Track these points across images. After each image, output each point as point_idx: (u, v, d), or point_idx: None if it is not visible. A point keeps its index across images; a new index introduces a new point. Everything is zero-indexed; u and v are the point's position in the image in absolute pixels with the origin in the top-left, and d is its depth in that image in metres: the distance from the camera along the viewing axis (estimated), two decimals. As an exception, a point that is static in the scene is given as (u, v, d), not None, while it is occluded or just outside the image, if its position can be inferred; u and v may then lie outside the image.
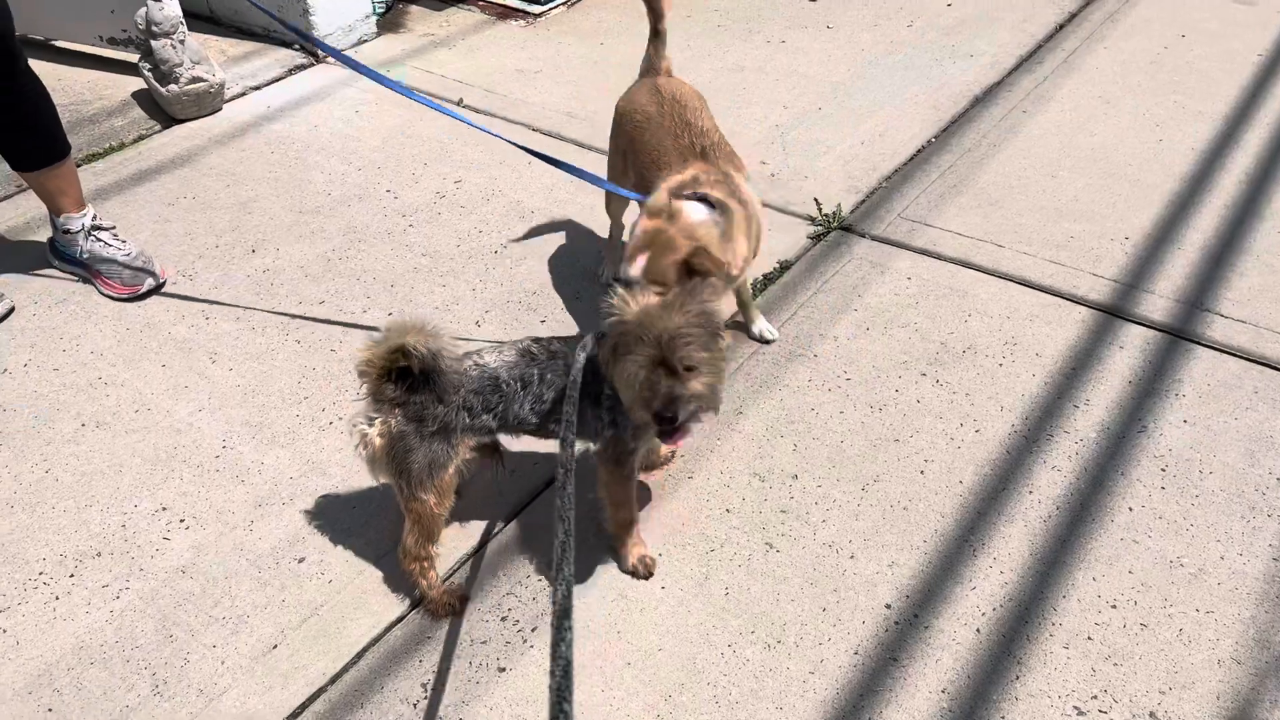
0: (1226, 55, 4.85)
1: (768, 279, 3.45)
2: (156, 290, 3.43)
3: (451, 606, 2.39)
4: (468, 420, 2.19)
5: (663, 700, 2.20)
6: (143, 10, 4.25)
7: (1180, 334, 3.15)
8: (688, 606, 2.40)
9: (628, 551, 2.46)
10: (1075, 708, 2.17)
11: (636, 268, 2.49)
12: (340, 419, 2.93)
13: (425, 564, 2.32)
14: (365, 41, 5.18)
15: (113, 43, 4.74)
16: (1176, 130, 4.25)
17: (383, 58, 5.03)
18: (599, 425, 2.27)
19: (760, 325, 3.17)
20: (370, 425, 2.17)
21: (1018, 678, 2.23)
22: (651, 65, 3.21)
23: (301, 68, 4.96)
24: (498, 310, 3.32)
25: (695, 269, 2.42)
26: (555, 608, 1.43)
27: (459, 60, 5.03)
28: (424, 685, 2.24)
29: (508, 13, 5.52)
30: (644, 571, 2.47)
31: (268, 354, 3.17)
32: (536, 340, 2.28)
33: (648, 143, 2.93)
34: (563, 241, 3.65)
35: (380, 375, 2.10)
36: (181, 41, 4.30)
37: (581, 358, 2.15)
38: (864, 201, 3.86)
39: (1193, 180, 3.92)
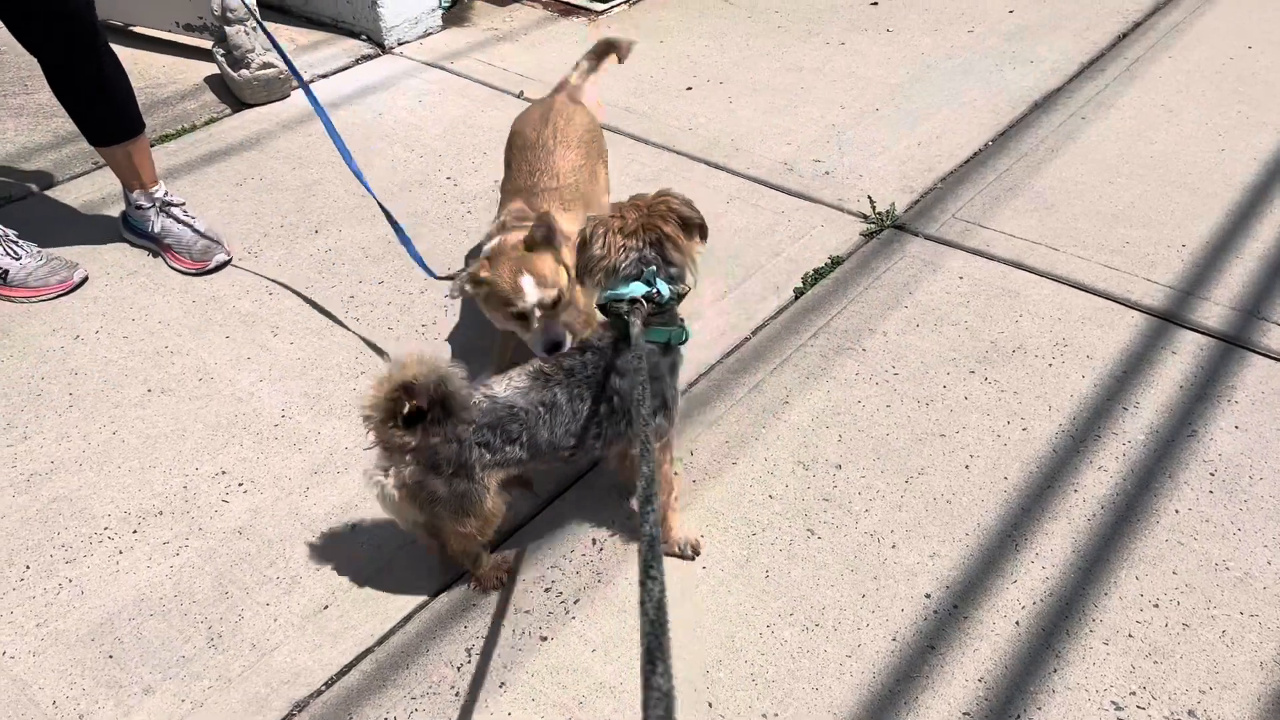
0: (1295, 66, 4.78)
1: (818, 273, 3.48)
2: (224, 266, 3.54)
3: (499, 580, 2.44)
4: (488, 457, 2.12)
5: (700, 675, 2.24)
6: (218, -3, 4.39)
7: (1235, 341, 3.13)
8: (728, 586, 2.44)
9: (673, 533, 2.49)
10: (1113, 703, 2.17)
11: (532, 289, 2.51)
12: (395, 394, 3.00)
13: (481, 560, 2.38)
14: (430, 34, 5.29)
15: (188, 29, 4.89)
16: (1239, 140, 4.20)
17: (447, 50, 5.13)
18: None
19: None
20: (385, 476, 2.10)
21: (1055, 671, 2.24)
22: (566, 82, 3.28)
23: (368, 58, 5.07)
24: (551, 295, 3.38)
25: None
26: (641, 559, 1.42)
27: (521, 54, 5.11)
28: (468, 650, 2.30)
29: (570, 10, 5.60)
30: (691, 554, 2.50)
31: (327, 330, 3.27)
32: (546, 359, 2.26)
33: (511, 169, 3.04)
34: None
35: (385, 419, 2.00)
36: (254, 29, 4.43)
37: (636, 332, 2.08)
38: (918, 201, 3.87)
39: (1254, 190, 3.87)
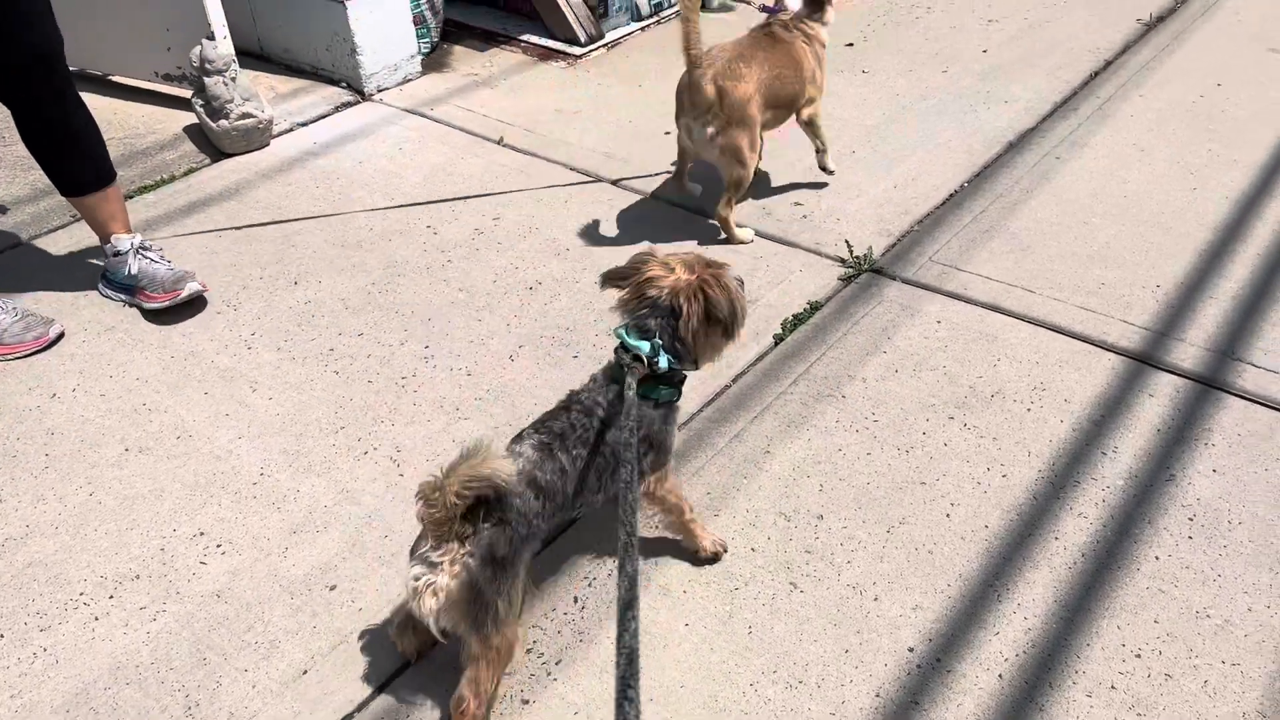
0: (1263, 104, 4.85)
1: (798, 319, 3.49)
2: (197, 296, 3.52)
3: None
4: (524, 530, 2.09)
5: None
6: (197, 48, 4.40)
7: (1211, 383, 3.15)
8: (711, 644, 2.42)
9: (702, 541, 2.57)
10: (1097, 757, 2.17)
11: None
12: (376, 449, 2.99)
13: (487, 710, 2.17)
14: (410, 80, 5.32)
15: (168, 79, 4.90)
16: (1211, 178, 4.26)
17: (426, 96, 5.15)
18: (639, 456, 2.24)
19: None
20: (434, 572, 1.98)
21: (1039, 725, 2.23)
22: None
23: (348, 104, 5.09)
24: (531, 346, 3.38)
25: None
26: (620, 599, 1.42)
27: (501, 99, 5.14)
28: (449, 715, 2.28)
29: (549, 54, 5.64)
30: (722, 550, 2.60)
31: (307, 384, 3.25)
32: (536, 429, 2.23)
33: None
34: (597, 279, 3.71)
35: (443, 521, 1.94)
36: (233, 79, 4.45)
37: (632, 395, 2.10)
38: (895, 244, 3.90)
39: (1226, 229, 3.92)
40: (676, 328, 2.25)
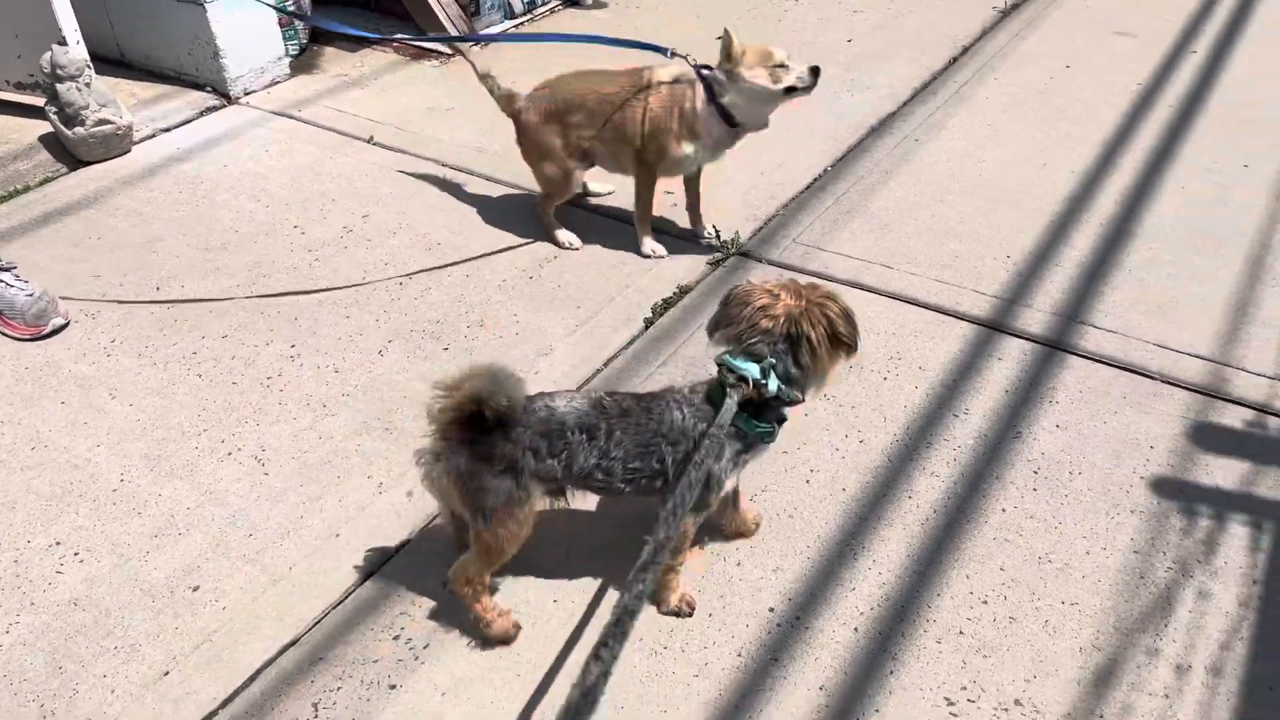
0: (1108, 85, 5.10)
1: (667, 303, 3.56)
2: (60, 330, 3.43)
3: (506, 634, 2.38)
4: (534, 463, 2.16)
5: (550, 708, 2.26)
6: (48, 54, 4.27)
7: (1056, 345, 3.31)
8: (576, 616, 2.46)
9: (672, 594, 2.45)
10: (945, 698, 2.27)
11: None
12: (240, 449, 2.95)
13: (479, 588, 2.32)
14: (278, 83, 5.24)
15: (19, 87, 4.74)
16: (1059, 156, 4.47)
17: (295, 98, 5.09)
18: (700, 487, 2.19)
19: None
20: (437, 461, 2.20)
21: (892, 672, 2.32)
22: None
23: (213, 109, 4.99)
24: (401, 340, 3.38)
25: None
26: (603, 631, 1.47)
27: (371, 99, 5.10)
28: (315, 705, 2.27)
29: (422, 54, 5.62)
30: (688, 611, 2.47)
31: (168, 389, 3.19)
32: (611, 394, 2.28)
33: None
34: (468, 273, 3.73)
35: (451, 421, 2.11)
36: (88, 84, 4.33)
37: (731, 404, 2.10)
38: (762, 228, 4.00)
39: (1072, 202, 4.12)
40: (795, 353, 2.18)
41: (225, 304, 3.56)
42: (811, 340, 2.15)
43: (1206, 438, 2.94)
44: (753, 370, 2.15)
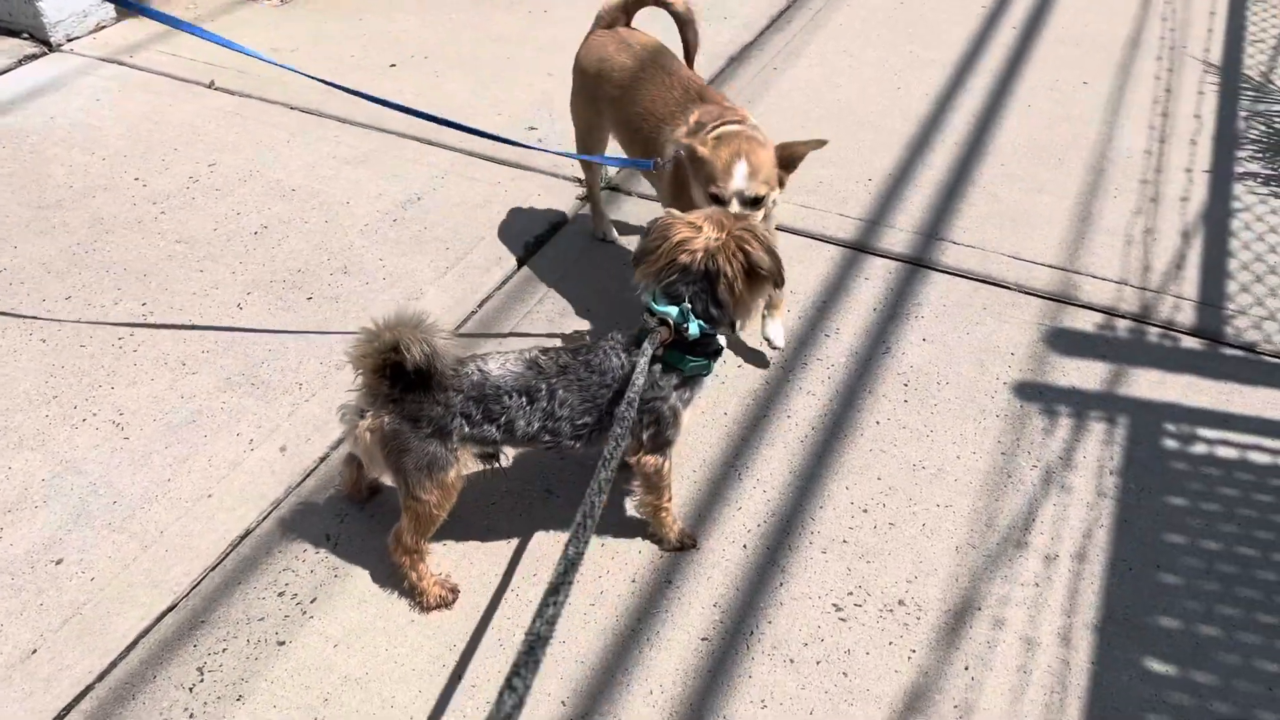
0: (955, 6, 5.23)
1: (539, 240, 3.51)
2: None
3: (443, 599, 2.31)
4: (466, 428, 2.09)
5: (448, 650, 2.24)
6: None
7: (918, 262, 3.42)
8: (470, 558, 2.44)
9: (669, 531, 2.43)
10: (834, 605, 2.35)
11: (741, 175, 2.48)
12: (95, 414, 2.79)
13: (416, 557, 2.25)
14: (105, 27, 4.88)
15: None
16: (913, 78, 4.57)
17: (124, 43, 4.76)
18: (638, 428, 2.21)
19: (773, 329, 2.97)
20: (361, 418, 2.10)
21: (782, 584, 2.39)
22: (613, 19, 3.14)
23: (33, 57, 4.63)
24: (260, 291, 3.23)
25: (794, 156, 2.57)
26: (550, 582, 1.41)
27: (207, 42, 4.80)
28: (200, 669, 2.19)
29: (260, -9, 5.32)
30: (690, 543, 2.46)
31: (10, 356, 2.98)
32: (545, 351, 2.19)
33: (639, 98, 2.85)
34: (328, 217, 3.59)
35: (374, 370, 2.02)
36: (-115, 32, 3.94)
37: (643, 362, 2.03)
38: (628, 161, 3.97)
39: (927, 123, 4.23)
40: (714, 290, 2.12)
41: (64, 264, 3.34)
42: (728, 276, 2.11)
43: (1062, 342, 3.09)
44: (672, 313, 2.12)
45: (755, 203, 2.51)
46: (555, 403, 2.13)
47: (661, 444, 2.26)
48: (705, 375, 2.24)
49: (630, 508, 2.53)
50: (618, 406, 1.97)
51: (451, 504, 2.20)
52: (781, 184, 2.62)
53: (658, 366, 2.15)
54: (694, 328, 2.11)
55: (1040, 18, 5.12)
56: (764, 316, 2.96)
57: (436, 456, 2.09)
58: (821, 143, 2.61)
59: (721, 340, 2.25)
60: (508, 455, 2.38)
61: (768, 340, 2.97)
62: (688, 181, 2.66)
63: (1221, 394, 2.92)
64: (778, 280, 2.17)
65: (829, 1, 5.31)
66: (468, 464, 2.18)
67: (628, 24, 3.18)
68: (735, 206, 2.49)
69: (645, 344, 2.07)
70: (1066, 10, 5.22)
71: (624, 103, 2.93)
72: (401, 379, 2.03)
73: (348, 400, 2.19)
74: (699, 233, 2.12)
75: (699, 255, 2.11)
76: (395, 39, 4.85)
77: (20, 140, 4.00)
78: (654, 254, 2.14)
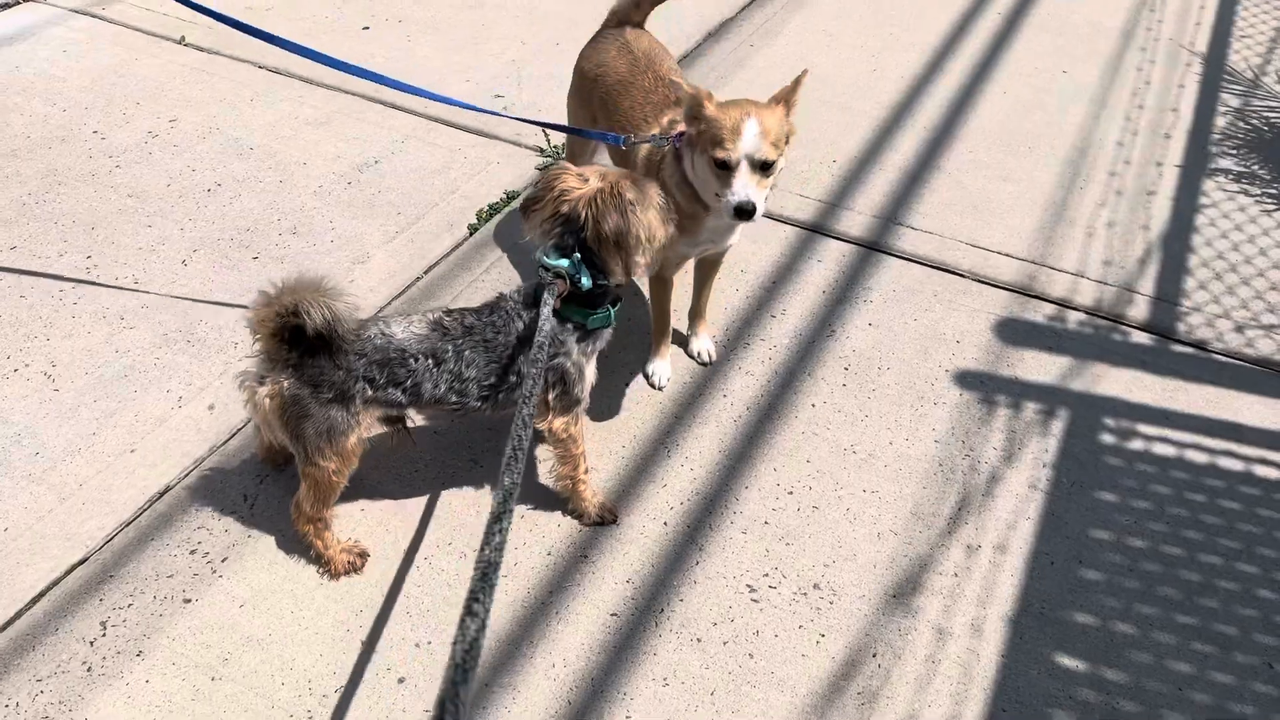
0: (941, -9, 5.16)
1: (493, 209, 3.48)
2: None
3: (353, 565, 2.30)
4: (369, 392, 2.07)
5: (353, 615, 2.23)
6: None
7: (873, 246, 3.38)
8: (386, 525, 2.42)
9: (588, 505, 2.42)
10: (749, 585, 2.33)
11: (752, 135, 2.28)
12: (28, 365, 2.78)
13: (320, 525, 2.23)
14: (80, -22, 4.83)
15: None
16: (889, 59, 4.51)
17: (99, -5, 4.72)
18: (544, 386, 2.18)
19: (695, 345, 2.95)
20: (260, 384, 2.06)
21: (698, 563, 2.37)
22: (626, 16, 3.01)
23: (5, 6, 4.59)
24: (207, 249, 3.21)
25: (791, 103, 2.45)
26: (492, 512, 1.41)
27: (184, -3, 4.76)
28: (103, 623, 2.18)
29: (241, -51, 5.26)
30: (610, 517, 2.44)
31: (-53, 304, 2.97)
32: (449, 313, 2.17)
33: (622, 104, 2.77)
34: (283, 178, 3.56)
35: (272, 334, 1.98)
36: None
37: (547, 311, 1.99)
38: (593, 132, 3.92)
39: (898, 107, 4.18)
40: (591, 254, 2.11)
41: (13, 214, 3.31)
42: (590, 230, 2.09)
43: (1009, 332, 3.06)
44: (564, 265, 2.10)
45: (765, 167, 2.33)
46: (462, 364, 2.12)
47: (570, 403, 2.24)
48: (608, 327, 2.24)
49: (551, 482, 2.51)
50: (524, 359, 1.97)
51: (352, 470, 2.17)
52: (788, 140, 2.45)
53: (559, 321, 2.13)
54: (586, 280, 2.11)
55: (1026, 3, 5.05)
56: (689, 335, 2.95)
57: (336, 422, 2.06)
58: (800, 78, 2.48)
59: (619, 291, 2.23)
60: (414, 419, 2.36)
61: (693, 358, 2.94)
62: (657, 170, 2.59)
63: (1166, 390, 2.89)
64: (620, 241, 2.09)
65: (815, -20, 5.24)
66: (370, 429, 2.16)
67: (640, 22, 3.07)
68: (745, 171, 2.28)
69: (545, 295, 2.05)
70: (1054, -2, 5.15)
71: (610, 106, 2.88)
72: (301, 343, 2.00)
73: (244, 369, 2.15)
74: (585, 184, 2.11)
75: (578, 205, 2.09)
76: (371, 1, 4.80)
77: (-18, 88, 3.97)
78: (538, 202, 2.14)
